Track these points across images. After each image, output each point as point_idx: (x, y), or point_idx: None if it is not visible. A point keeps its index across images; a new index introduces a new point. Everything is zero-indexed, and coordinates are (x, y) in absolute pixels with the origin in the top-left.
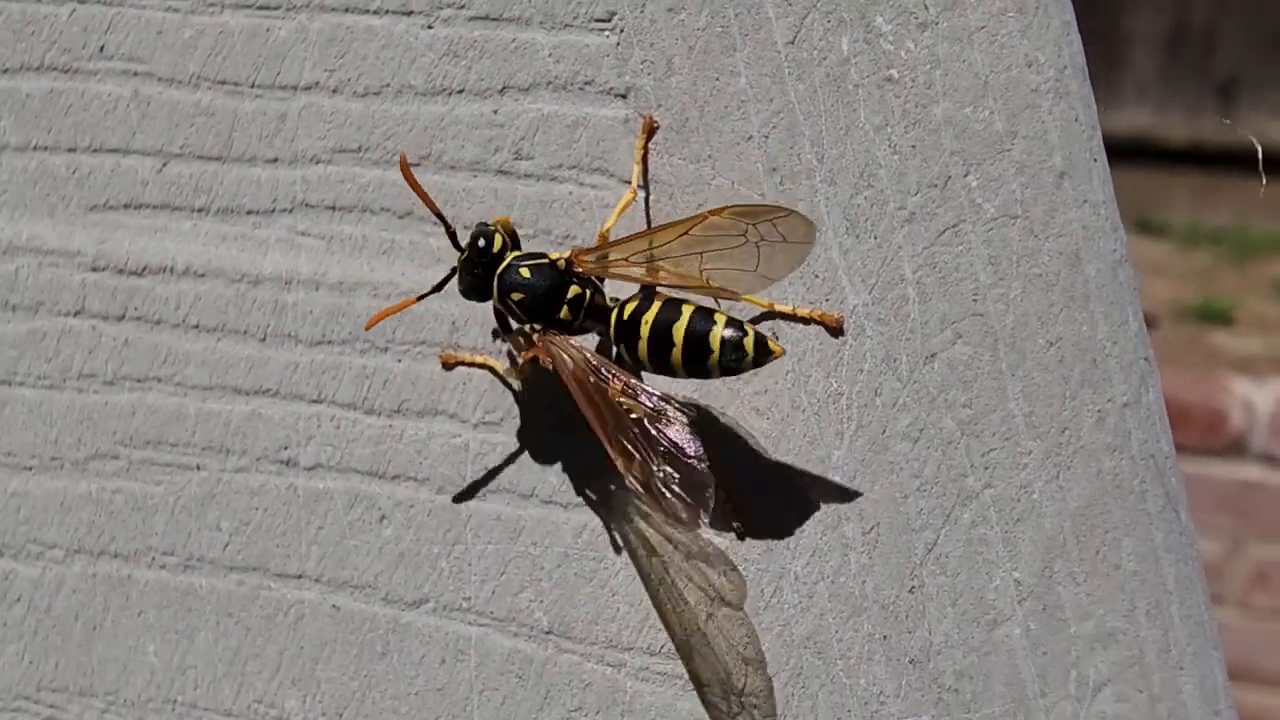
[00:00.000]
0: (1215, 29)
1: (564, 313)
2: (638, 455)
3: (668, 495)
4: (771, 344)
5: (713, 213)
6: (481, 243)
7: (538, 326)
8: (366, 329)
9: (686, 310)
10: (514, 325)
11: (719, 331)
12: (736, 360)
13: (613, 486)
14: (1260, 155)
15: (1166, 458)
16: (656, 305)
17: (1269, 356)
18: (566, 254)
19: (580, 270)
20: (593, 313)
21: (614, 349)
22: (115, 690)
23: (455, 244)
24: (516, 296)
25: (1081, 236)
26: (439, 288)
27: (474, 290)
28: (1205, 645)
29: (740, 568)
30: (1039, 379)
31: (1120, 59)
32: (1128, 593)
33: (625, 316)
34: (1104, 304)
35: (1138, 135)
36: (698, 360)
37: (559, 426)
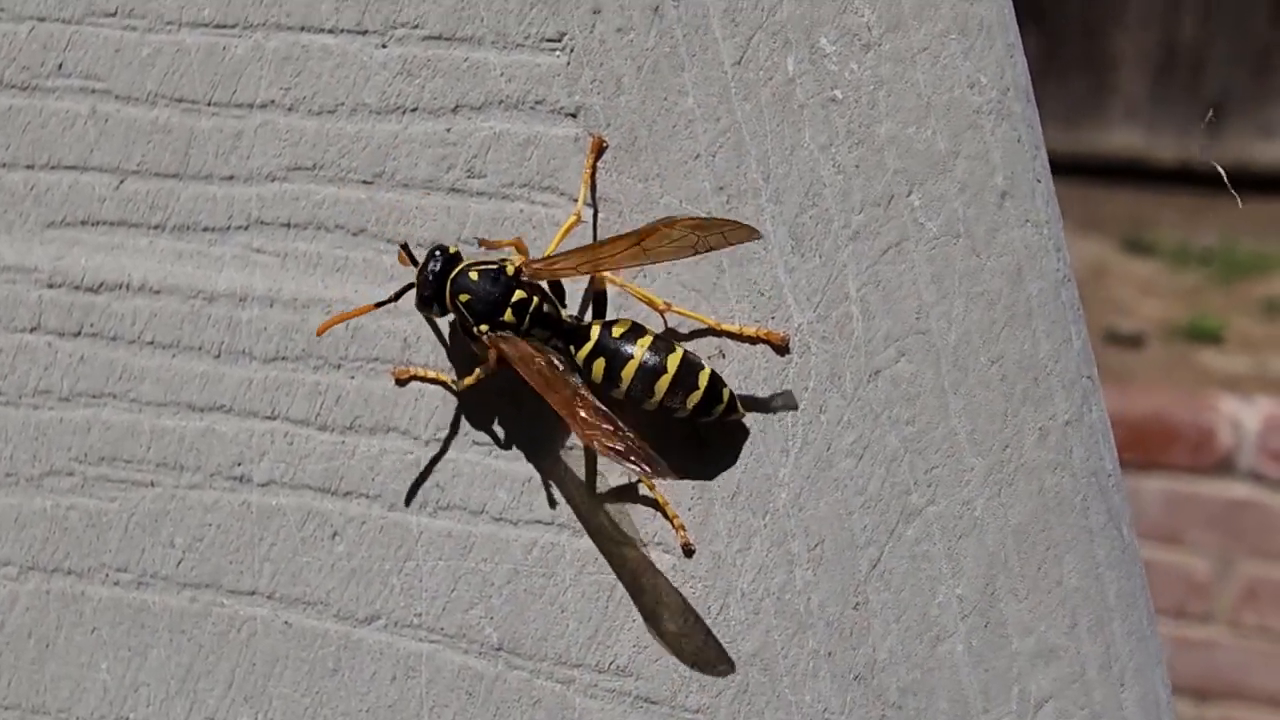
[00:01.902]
0: (1204, 50)
1: (508, 315)
2: (596, 421)
3: (631, 454)
4: (740, 407)
5: (664, 224)
6: (438, 253)
7: (484, 328)
8: (318, 334)
9: (680, 347)
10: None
11: (707, 374)
12: (710, 403)
13: (564, 499)
14: (1225, 177)
15: (1109, 475)
16: (649, 337)
17: (1257, 375)
18: (518, 262)
19: (528, 277)
20: (540, 320)
21: (572, 357)
22: (68, 708)
23: (412, 260)
24: (464, 298)
25: (1024, 255)
26: (395, 298)
27: (429, 302)
28: (1148, 661)
29: (687, 584)
30: (981, 396)
31: (1109, 80)
32: (1069, 609)
33: (613, 334)
34: (1046, 322)
35: (1127, 156)
36: (679, 392)
37: (510, 443)
